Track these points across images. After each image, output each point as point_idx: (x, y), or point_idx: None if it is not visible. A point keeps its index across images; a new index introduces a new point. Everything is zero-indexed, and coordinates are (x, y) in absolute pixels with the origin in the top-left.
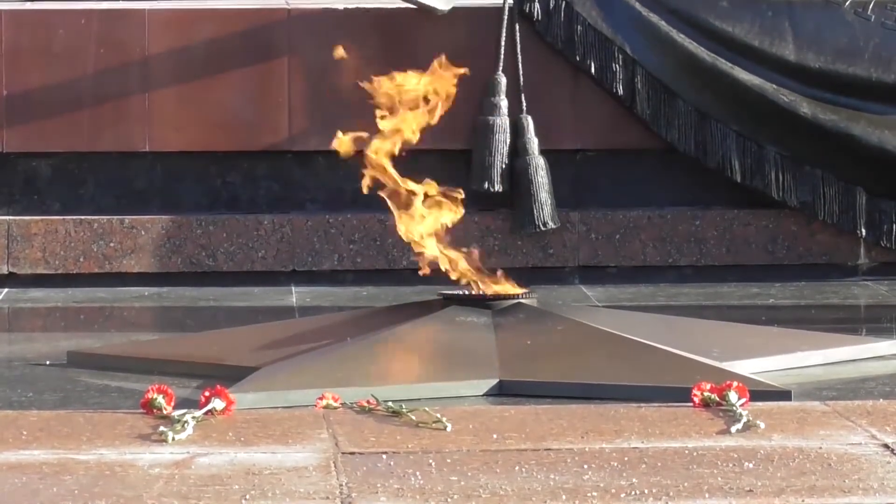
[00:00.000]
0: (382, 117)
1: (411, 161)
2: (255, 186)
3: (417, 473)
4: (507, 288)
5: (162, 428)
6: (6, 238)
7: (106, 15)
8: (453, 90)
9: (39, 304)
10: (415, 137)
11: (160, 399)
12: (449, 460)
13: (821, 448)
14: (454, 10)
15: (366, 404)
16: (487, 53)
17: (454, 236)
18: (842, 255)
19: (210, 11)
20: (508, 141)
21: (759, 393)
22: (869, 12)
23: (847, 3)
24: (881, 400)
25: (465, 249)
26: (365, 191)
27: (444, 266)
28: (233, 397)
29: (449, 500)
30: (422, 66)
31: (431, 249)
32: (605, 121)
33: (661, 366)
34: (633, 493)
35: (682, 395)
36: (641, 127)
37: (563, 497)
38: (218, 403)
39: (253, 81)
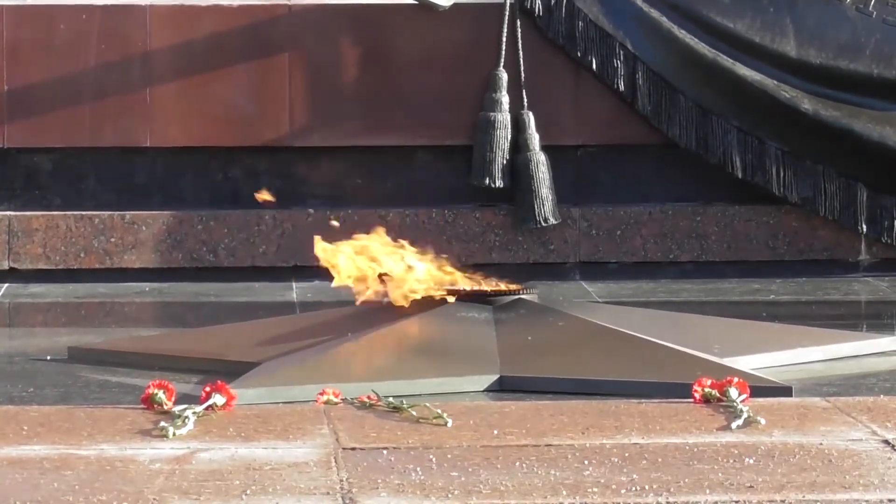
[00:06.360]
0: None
1: (412, 159)
2: (256, 182)
3: (418, 469)
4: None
5: (163, 423)
6: (7, 233)
7: (107, 10)
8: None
9: (40, 299)
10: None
11: (161, 394)
12: (449, 456)
13: (821, 444)
14: (455, 5)
15: (366, 400)
16: (488, 49)
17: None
18: (843, 251)
19: (211, 7)
20: (509, 137)
21: (760, 389)
22: (870, 8)
23: (848, 0)
24: (882, 396)
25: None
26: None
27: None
28: (233, 393)
29: (449, 495)
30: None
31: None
32: (606, 116)
33: (662, 362)
34: (633, 488)
35: (683, 391)
36: (642, 123)
37: (564, 492)
38: (219, 399)
39: (254, 77)
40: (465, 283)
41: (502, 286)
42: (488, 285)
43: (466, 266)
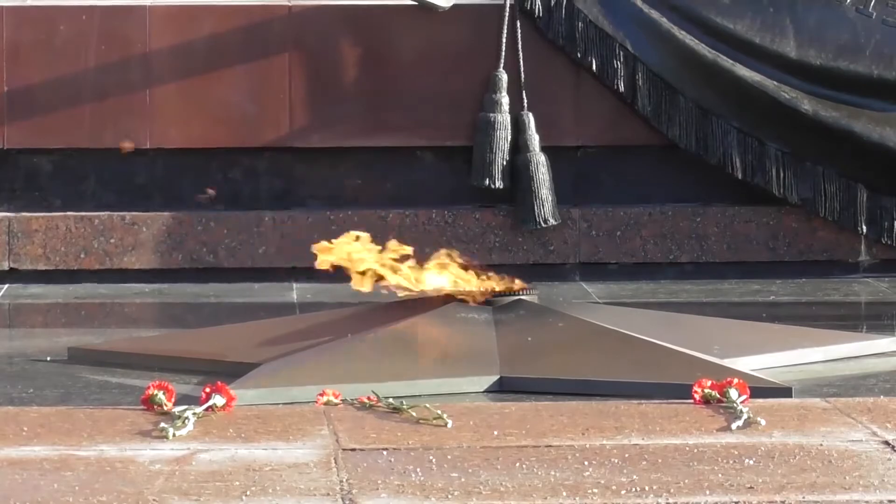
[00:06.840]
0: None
1: (412, 159)
2: (256, 182)
3: (418, 470)
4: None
5: (163, 424)
6: (7, 234)
7: (107, 11)
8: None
9: (40, 300)
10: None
11: (161, 395)
12: (449, 457)
13: (821, 445)
14: (455, 5)
15: (366, 401)
16: (488, 50)
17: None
18: (843, 251)
19: (211, 7)
20: (509, 137)
21: (760, 390)
22: (870, 9)
23: (848, 0)
24: (882, 397)
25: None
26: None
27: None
28: (233, 393)
29: (449, 496)
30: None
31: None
32: (606, 117)
33: (662, 362)
34: (633, 489)
35: (683, 392)
36: (642, 123)
37: (564, 493)
38: (219, 400)
39: (254, 77)
40: (471, 282)
41: (505, 283)
42: (492, 284)
43: (473, 266)
